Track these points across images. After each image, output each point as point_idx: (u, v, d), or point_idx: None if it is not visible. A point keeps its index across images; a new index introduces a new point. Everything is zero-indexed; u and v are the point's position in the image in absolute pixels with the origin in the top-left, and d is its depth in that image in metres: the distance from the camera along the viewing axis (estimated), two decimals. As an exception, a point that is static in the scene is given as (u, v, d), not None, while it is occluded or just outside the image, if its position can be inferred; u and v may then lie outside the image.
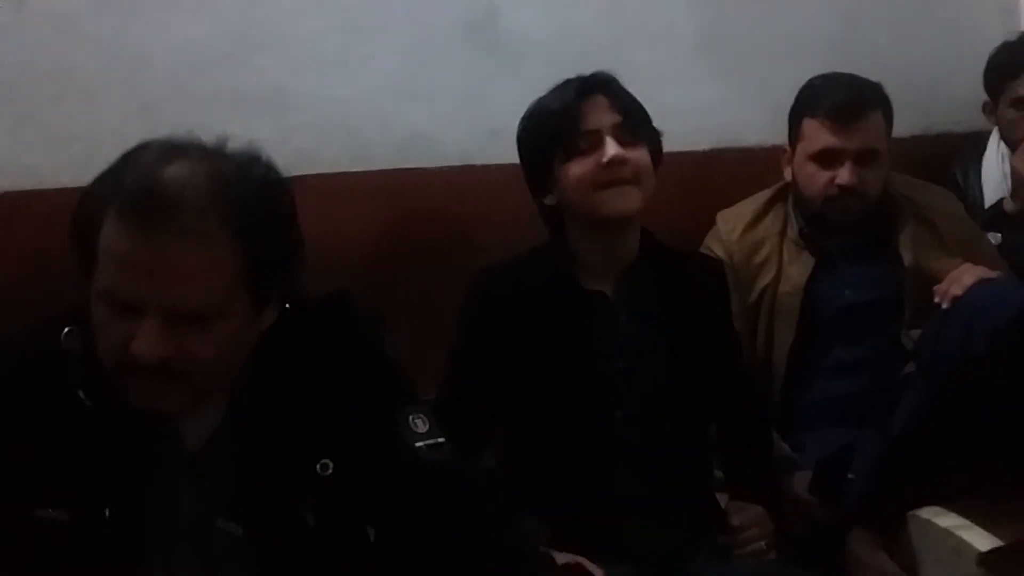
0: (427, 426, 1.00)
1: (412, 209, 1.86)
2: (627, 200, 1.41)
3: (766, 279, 1.85)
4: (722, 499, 1.56)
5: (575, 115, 1.40)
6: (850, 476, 1.52)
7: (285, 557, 0.95)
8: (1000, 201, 2.08)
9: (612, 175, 1.39)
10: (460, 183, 1.89)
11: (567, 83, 1.47)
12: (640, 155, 1.42)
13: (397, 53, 1.90)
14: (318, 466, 0.95)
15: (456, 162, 1.91)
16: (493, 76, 1.95)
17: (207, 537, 0.96)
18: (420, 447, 0.98)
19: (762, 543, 1.45)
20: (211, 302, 0.89)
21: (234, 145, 0.95)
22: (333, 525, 0.95)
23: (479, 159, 1.88)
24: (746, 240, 1.88)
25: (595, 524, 1.38)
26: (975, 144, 2.25)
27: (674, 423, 1.44)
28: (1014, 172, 2.06)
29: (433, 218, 1.88)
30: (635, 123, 1.44)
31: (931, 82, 2.37)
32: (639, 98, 1.50)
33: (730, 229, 1.90)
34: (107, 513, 0.91)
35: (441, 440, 1.00)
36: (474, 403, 1.45)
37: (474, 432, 1.45)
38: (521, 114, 1.52)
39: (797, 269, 1.84)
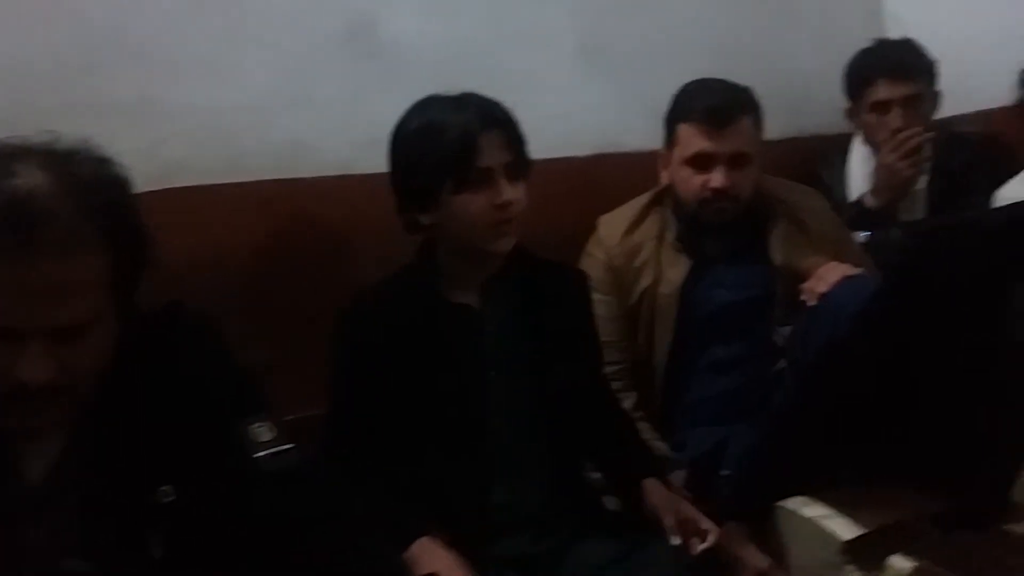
0: (273, 434, 0.99)
1: (290, 219, 1.83)
2: (511, 239, 1.45)
3: (646, 281, 1.89)
4: (609, 501, 1.59)
5: (473, 149, 1.39)
6: (724, 472, 1.57)
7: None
8: (861, 198, 2.18)
9: (502, 215, 1.41)
10: (340, 192, 1.87)
11: (461, 103, 1.44)
12: (522, 192, 1.44)
13: (273, 60, 1.86)
14: (159, 493, 0.92)
15: (336, 171, 1.88)
16: (373, 83, 1.94)
17: None
18: (263, 457, 0.97)
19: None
20: (89, 314, 0.87)
21: (66, 145, 0.92)
22: (179, 555, 0.93)
23: (360, 168, 1.86)
24: (626, 244, 1.92)
25: (473, 532, 1.39)
26: (842, 146, 2.35)
27: (546, 429, 1.46)
28: (878, 170, 2.16)
29: (312, 228, 1.85)
30: (523, 161, 1.45)
31: (802, 86, 2.47)
32: (521, 104, 1.52)
33: (611, 233, 1.94)
34: None
35: (288, 447, 0.98)
36: (358, 424, 1.46)
37: (365, 451, 1.45)
38: (403, 122, 1.51)
39: (675, 271, 1.88)
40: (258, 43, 1.84)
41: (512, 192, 1.41)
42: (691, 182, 1.84)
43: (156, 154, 1.71)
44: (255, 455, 0.97)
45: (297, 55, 1.88)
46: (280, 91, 1.86)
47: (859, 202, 2.18)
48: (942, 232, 1.37)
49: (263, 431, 0.99)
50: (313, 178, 1.87)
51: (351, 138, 1.89)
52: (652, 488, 1.48)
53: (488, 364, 1.45)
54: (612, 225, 1.95)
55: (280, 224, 1.82)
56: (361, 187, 1.82)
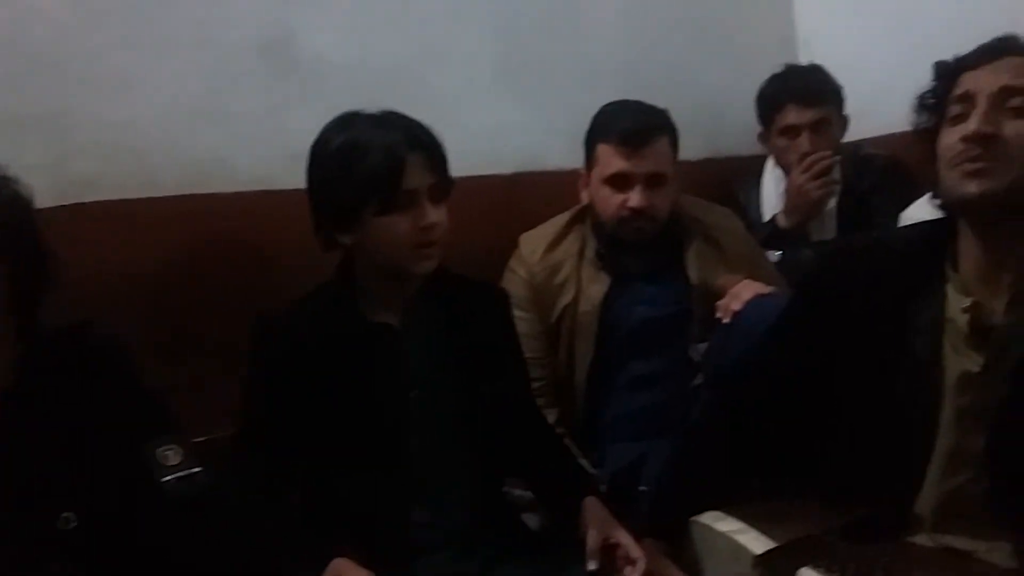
0: (180, 457, 0.96)
1: (204, 236, 1.79)
2: (434, 260, 1.43)
3: (566, 298, 1.91)
4: (532, 519, 1.59)
5: (398, 171, 1.37)
6: (642, 488, 1.59)
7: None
8: (774, 218, 2.25)
9: (426, 237, 1.40)
10: (256, 209, 1.84)
11: (385, 123, 1.42)
12: (444, 214, 1.43)
13: (188, 73, 1.82)
14: (61, 519, 0.89)
15: (252, 187, 1.85)
16: (291, 98, 1.91)
17: None
18: (170, 480, 0.94)
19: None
20: None
21: None
22: None
23: (277, 184, 1.83)
24: (547, 261, 1.94)
25: (394, 552, 1.37)
26: (757, 167, 2.42)
27: (470, 448, 1.46)
28: (789, 192, 2.23)
29: (227, 246, 1.81)
30: (447, 183, 1.44)
31: (718, 108, 2.54)
32: (442, 122, 1.52)
33: (532, 251, 1.95)
34: None
35: (196, 470, 0.96)
36: (271, 444, 1.42)
37: (277, 471, 1.42)
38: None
39: (595, 288, 1.91)
40: (172, 56, 1.80)
41: (436, 215, 1.40)
42: (610, 201, 1.87)
43: (64, 169, 1.66)
44: (162, 479, 0.95)
45: (212, 69, 1.85)
46: (195, 105, 1.83)
47: (772, 222, 2.25)
48: (847, 252, 1.42)
49: (171, 454, 0.97)
50: (228, 194, 1.84)
51: (268, 153, 1.87)
52: (590, 508, 1.45)
53: (409, 383, 1.44)
54: (533, 243, 1.97)
55: (194, 241, 1.78)
56: (278, 203, 1.80)
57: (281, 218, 1.79)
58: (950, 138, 1.18)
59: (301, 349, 1.40)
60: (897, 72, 1.27)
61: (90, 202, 1.69)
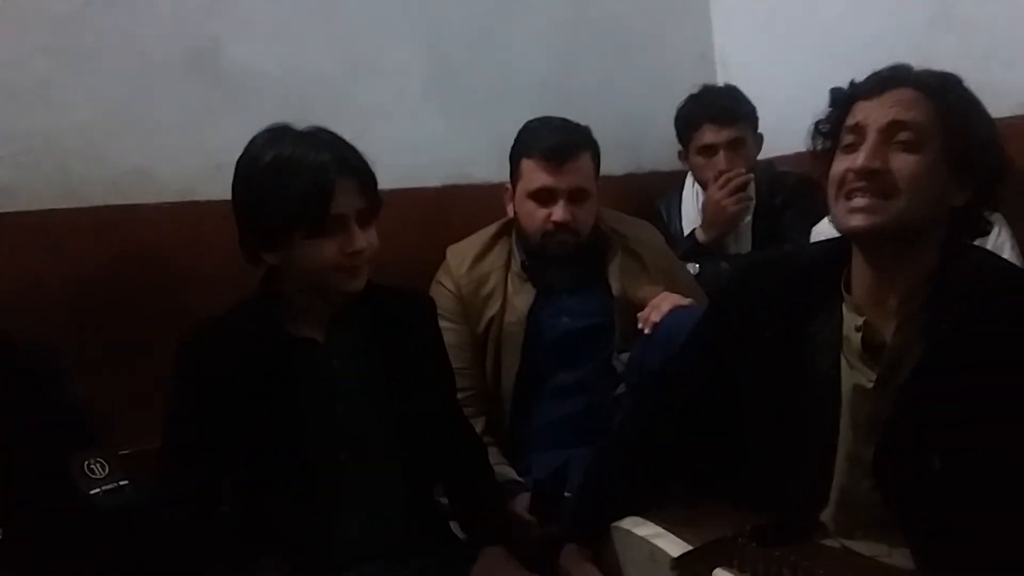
0: (106, 470, 0.96)
1: (126, 247, 1.77)
2: (361, 281, 1.43)
3: (493, 310, 1.95)
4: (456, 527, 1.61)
5: (327, 196, 1.35)
6: (566, 494, 1.62)
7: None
8: (693, 232, 2.32)
9: (353, 262, 1.40)
10: (180, 220, 1.83)
11: (315, 142, 1.39)
12: (373, 235, 1.43)
13: (110, 82, 1.80)
14: None
15: (175, 198, 1.84)
16: (217, 109, 1.91)
17: None
18: (97, 493, 0.94)
19: None
20: None
21: None
22: None
23: (201, 194, 1.83)
24: (474, 273, 1.97)
25: (322, 566, 1.38)
26: (678, 181, 2.50)
27: (399, 459, 1.47)
28: (706, 207, 2.31)
29: (150, 257, 1.79)
30: (376, 205, 1.44)
31: (640, 125, 2.62)
32: (370, 135, 1.52)
33: (459, 263, 1.98)
34: None
35: (123, 483, 0.96)
36: (197, 459, 1.40)
37: (204, 486, 1.42)
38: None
39: (520, 300, 1.95)
40: (94, 65, 1.78)
41: (364, 239, 1.40)
42: (534, 215, 1.92)
43: (-20, 178, 1.63)
44: (89, 492, 0.94)
45: (136, 78, 1.83)
46: (117, 115, 1.81)
47: (692, 236, 2.33)
48: (755, 267, 1.48)
49: (97, 467, 0.96)
50: (151, 205, 1.82)
51: (191, 164, 1.86)
52: (483, 562, 1.47)
53: (335, 397, 1.44)
54: (460, 255, 2.00)
55: (115, 252, 1.76)
56: (202, 214, 1.80)
57: (205, 229, 1.79)
58: (840, 166, 1.20)
59: (226, 365, 1.38)
60: (809, 93, 1.30)
61: (8, 212, 1.67)
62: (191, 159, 1.86)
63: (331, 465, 1.42)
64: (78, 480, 0.93)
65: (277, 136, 1.41)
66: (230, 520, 1.45)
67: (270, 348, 1.41)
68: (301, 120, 1.46)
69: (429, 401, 1.50)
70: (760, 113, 2.38)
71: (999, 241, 2.08)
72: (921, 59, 1.26)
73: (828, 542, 1.26)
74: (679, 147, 2.42)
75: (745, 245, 2.34)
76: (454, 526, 1.60)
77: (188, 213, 1.84)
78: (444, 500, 1.61)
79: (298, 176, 1.35)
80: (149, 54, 1.85)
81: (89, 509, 0.92)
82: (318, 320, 1.47)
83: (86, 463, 0.94)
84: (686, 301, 1.83)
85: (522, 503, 1.69)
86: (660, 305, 1.83)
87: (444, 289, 1.97)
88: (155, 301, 1.78)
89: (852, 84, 1.26)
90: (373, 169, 1.45)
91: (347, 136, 1.46)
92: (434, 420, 1.51)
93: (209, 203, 1.81)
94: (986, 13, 2.24)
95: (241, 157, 1.43)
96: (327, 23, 2.09)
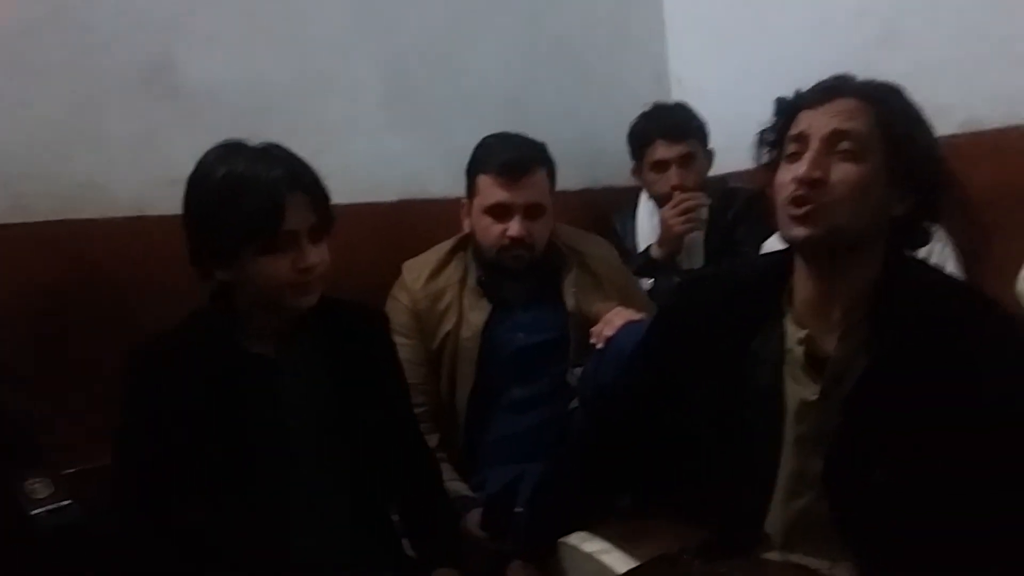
0: (50, 490, 0.95)
1: (78, 262, 1.75)
2: (314, 297, 1.43)
3: (448, 325, 1.96)
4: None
5: (279, 213, 1.35)
6: (518, 509, 1.63)
7: None
8: (648, 248, 2.36)
9: (304, 279, 1.40)
10: (135, 234, 1.81)
11: (268, 159, 1.39)
12: (325, 251, 1.43)
13: (62, 96, 1.78)
14: None
15: (128, 212, 1.83)
16: (171, 124, 1.90)
17: None
18: (39, 514, 0.93)
19: None
20: None
21: None
22: None
23: (153, 209, 1.81)
24: (430, 288, 1.98)
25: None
26: (634, 197, 2.53)
27: (352, 476, 1.47)
28: (661, 224, 2.34)
29: (101, 272, 1.78)
30: (328, 221, 1.43)
31: (596, 141, 2.64)
32: (327, 149, 1.52)
33: (414, 278, 1.99)
34: None
35: (66, 503, 0.95)
36: (146, 476, 1.39)
37: (154, 503, 1.39)
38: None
39: (476, 315, 1.96)
40: (43, 78, 1.77)
41: (315, 255, 1.40)
42: (490, 230, 1.93)
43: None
44: (32, 512, 0.93)
45: (88, 92, 1.82)
46: (69, 129, 1.79)
47: (646, 252, 2.35)
48: (700, 281, 1.50)
49: (40, 487, 0.95)
50: (103, 219, 1.81)
51: (144, 178, 1.85)
52: None
53: (287, 414, 1.44)
54: (416, 270, 2.01)
55: (67, 267, 1.74)
56: (154, 229, 1.78)
57: (158, 244, 1.77)
58: (784, 176, 1.21)
59: (175, 380, 1.38)
60: (761, 111, 1.32)
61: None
62: (145, 174, 1.85)
63: (281, 482, 1.42)
64: (20, 500, 0.92)
65: (229, 152, 1.41)
66: (179, 537, 1.44)
67: (220, 363, 1.41)
68: (257, 136, 1.45)
69: (382, 417, 1.50)
70: (714, 130, 2.42)
71: (942, 255, 2.13)
72: (871, 76, 1.27)
73: (772, 556, 1.28)
74: (633, 163, 2.45)
75: (698, 260, 2.38)
76: (407, 544, 1.61)
77: (141, 228, 1.82)
78: (396, 518, 1.61)
79: (250, 193, 1.35)
80: (103, 68, 1.84)
81: (32, 530, 0.91)
82: (270, 335, 1.46)
83: (28, 483, 0.93)
84: (639, 316, 1.85)
85: (474, 519, 1.70)
86: (613, 320, 1.84)
87: (399, 304, 1.98)
88: (107, 316, 1.76)
89: (797, 94, 1.27)
90: (328, 184, 1.45)
91: (304, 152, 1.46)
92: (387, 437, 1.51)
93: (162, 218, 1.79)
94: (934, 34, 2.30)
95: (193, 173, 1.43)
96: (284, 39, 2.09)
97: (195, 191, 1.41)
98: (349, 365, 1.49)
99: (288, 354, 1.46)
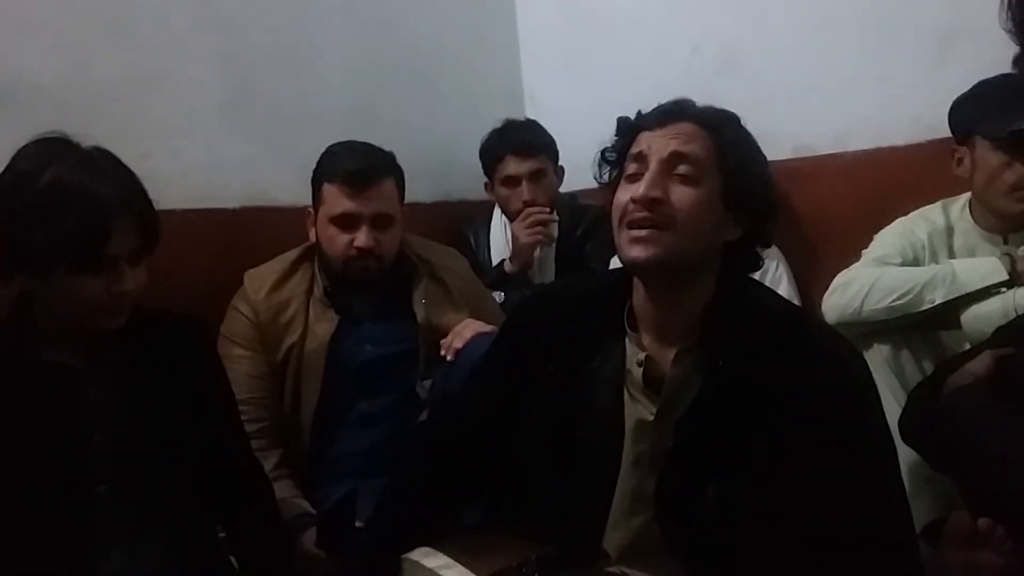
0: None
1: None
2: (121, 319, 1.35)
3: (293, 337, 1.89)
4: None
5: (106, 236, 1.25)
6: (358, 524, 1.58)
7: None
8: (502, 263, 2.37)
9: (118, 301, 1.31)
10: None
11: (95, 170, 1.27)
12: (143, 273, 1.34)
13: None
14: None
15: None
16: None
17: None
18: None
19: None
20: None
21: None
22: None
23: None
24: (273, 299, 1.90)
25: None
26: (487, 211, 2.54)
27: (169, 491, 1.38)
28: (512, 238, 2.35)
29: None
30: (152, 245, 1.34)
31: (450, 154, 2.64)
32: (162, 151, 1.42)
33: (257, 288, 1.91)
34: None
35: None
36: None
37: None
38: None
39: (322, 327, 1.90)
40: None
41: (132, 279, 1.31)
42: (337, 240, 1.88)
43: None
44: None
45: None
46: None
47: (500, 265, 2.37)
48: (542, 297, 1.50)
49: None
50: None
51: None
52: None
53: (93, 428, 1.34)
54: (259, 280, 1.93)
55: None
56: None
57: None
58: (623, 196, 1.22)
59: None
60: (611, 130, 1.33)
61: None
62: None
63: (89, 499, 1.31)
64: None
65: (53, 152, 1.29)
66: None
67: (17, 373, 1.29)
68: (81, 135, 1.33)
69: (201, 431, 1.42)
70: (565, 148, 2.47)
71: (777, 275, 2.24)
72: (711, 102, 1.29)
73: (610, 570, 1.28)
74: (486, 179, 2.46)
75: (549, 275, 2.41)
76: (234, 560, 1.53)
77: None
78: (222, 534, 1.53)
79: (75, 209, 1.24)
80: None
81: None
82: (76, 345, 1.36)
83: None
84: (489, 328, 1.85)
85: (311, 537, 1.64)
86: (463, 332, 1.84)
87: (240, 315, 1.89)
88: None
89: (638, 114, 1.29)
90: (158, 189, 1.35)
91: (133, 153, 1.36)
92: (207, 451, 1.43)
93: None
94: (771, 65, 2.43)
95: (8, 168, 1.29)
96: (114, 34, 1.96)
97: (12, 191, 1.27)
98: (163, 377, 1.40)
99: (96, 364, 1.36)
